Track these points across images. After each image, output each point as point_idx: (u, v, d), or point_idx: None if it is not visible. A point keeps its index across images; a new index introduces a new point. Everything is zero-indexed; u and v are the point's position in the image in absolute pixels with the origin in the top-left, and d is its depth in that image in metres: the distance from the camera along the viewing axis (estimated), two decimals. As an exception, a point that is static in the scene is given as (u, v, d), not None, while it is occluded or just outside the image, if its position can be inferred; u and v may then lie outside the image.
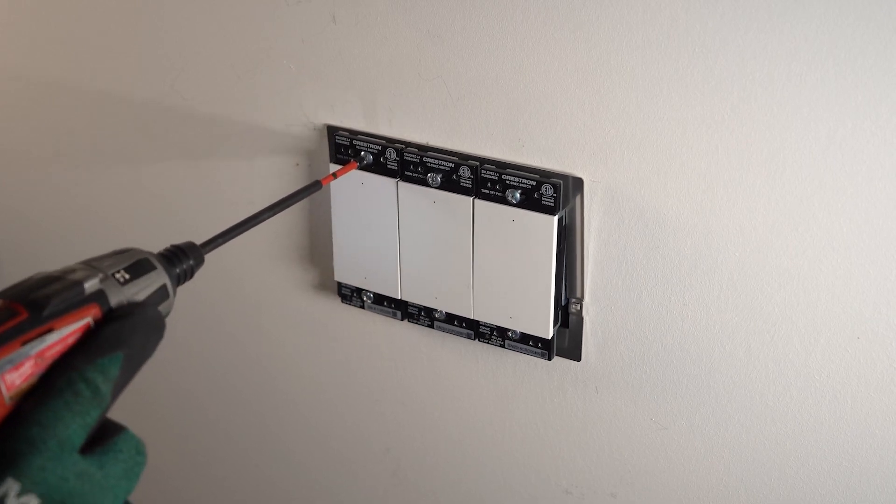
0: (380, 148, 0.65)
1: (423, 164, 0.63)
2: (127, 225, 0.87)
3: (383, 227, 0.67)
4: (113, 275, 0.40)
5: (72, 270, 0.40)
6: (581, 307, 0.64)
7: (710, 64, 0.53)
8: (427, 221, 0.65)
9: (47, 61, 0.83)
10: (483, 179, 0.62)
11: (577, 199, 0.60)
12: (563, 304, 0.64)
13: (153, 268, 0.42)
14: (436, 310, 0.68)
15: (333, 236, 0.70)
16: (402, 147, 0.64)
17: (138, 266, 0.42)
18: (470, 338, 0.68)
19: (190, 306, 0.86)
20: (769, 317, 0.58)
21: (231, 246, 0.80)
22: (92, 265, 0.40)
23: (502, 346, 0.66)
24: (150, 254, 0.43)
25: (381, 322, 0.74)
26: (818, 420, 0.59)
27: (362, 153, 0.66)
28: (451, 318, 0.68)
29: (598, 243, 0.62)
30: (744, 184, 0.55)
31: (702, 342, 0.61)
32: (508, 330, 0.65)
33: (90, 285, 0.39)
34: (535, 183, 0.60)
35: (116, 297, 0.40)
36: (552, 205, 0.60)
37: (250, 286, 0.81)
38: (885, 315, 0.55)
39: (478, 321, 0.66)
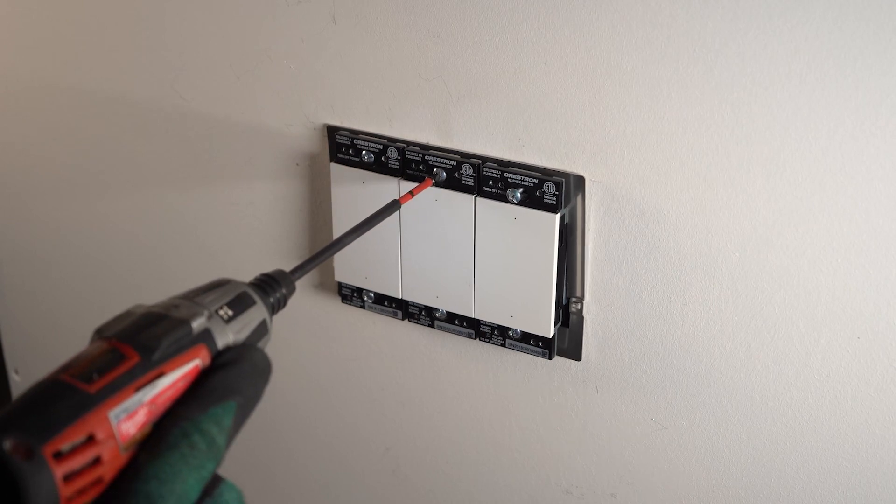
0: (381, 147, 0.65)
1: (425, 162, 0.63)
2: (127, 225, 0.87)
3: (384, 227, 0.67)
4: (217, 311, 0.39)
5: (174, 306, 0.38)
6: (581, 306, 0.64)
7: (710, 64, 0.53)
8: (429, 220, 0.65)
9: (47, 61, 0.83)
10: (485, 177, 0.62)
11: (578, 198, 0.61)
12: (563, 303, 0.64)
13: (253, 302, 0.41)
14: (437, 309, 0.68)
15: (334, 237, 0.70)
16: (403, 146, 0.64)
17: (239, 301, 0.40)
18: (471, 337, 0.68)
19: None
20: (769, 317, 0.58)
21: (231, 246, 0.80)
22: (194, 301, 0.39)
23: (503, 345, 0.66)
24: (248, 286, 0.42)
25: (382, 322, 0.74)
26: (818, 420, 0.59)
27: (363, 152, 0.66)
28: (451, 318, 0.68)
29: (599, 243, 0.62)
30: (744, 184, 0.55)
31: (702, 342, 0.61)
32: (509, 329, 0.65)
33: (197, 325, 0.37)
34: (536, 181, 0.60)
35: (223, 338, 0.38)
36: (554, 203, 0.60)
37: (250, 286, 0.81)
38: (885, 315, 0.55)
39: (478, 320, 0.66)
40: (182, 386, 0.36)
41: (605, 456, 0.69)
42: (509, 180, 0.61)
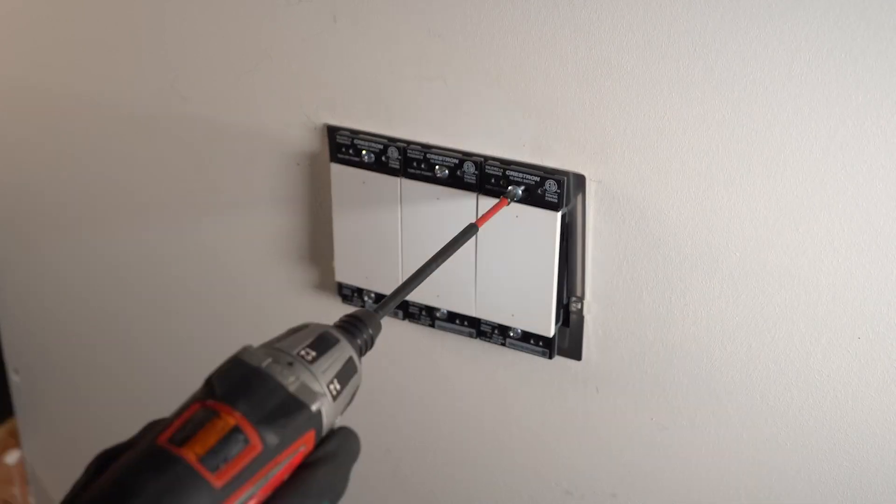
0: (381, 147, 0.65)
1: (426, 160, 0.63)
2: (127, 225, 0.87)
3: (385, 226, 0.67)
4: (328, 386, 0.37)
5: (289, 368, 0.36)
6: (582, 306, 0.64)
7: (710, 64, 0.53)
8: (430, 219, 0.65)
9: (47, 62, 0.83)
10: (487, 175, 0.62)
11: (579, 197, 0.61)
12: (563, 302, 0.64)
13: (356, 371, 0.39)
14: (437, 308, 0.68)
15: (335, 236, 0.70)
16: (404, 145, 0.64)
17: (346, 370, 0.38)
18: (471, 336, 0.68)
19: (190, 307, 0.86)
20: (770, 316, 0.58)
21: (231, 246, 0.80)
22: (310, 368, 0.37)
23: (503, 344, 0.66)
24: (351, 349, 0.40)
25: (382, 322, 0.74)
26: (818, 420, 0.59)
27: (363, 152, 0.66)
28: (452, 317, 0.68)
29: (599, 242, 0.62)
30: (744, 184, 0.55)
31: (702, 342, 0.61)
32: (510, 328, 0.65)
33: (315, 409, 0.36)
34: (538, 179, 0.60)
35: (329, 420, 0.37)
36: (556, 201, 0.60)
37: (250, 286, 0.81)
38: (885, 315, 0.55)
39: (479, 319, 0.66)
40: (286, 474, 0.35)
41: (605, 456, 0.69)
42: (511, 178, 0.61)
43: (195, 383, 0.37)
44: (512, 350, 0.67)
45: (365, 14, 0.64)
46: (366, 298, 0.71)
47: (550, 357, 0.65)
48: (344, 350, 0.39)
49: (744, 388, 0.61)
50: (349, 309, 0.75)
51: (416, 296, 0.68)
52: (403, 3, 0.62)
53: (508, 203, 0.60)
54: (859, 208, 0.53)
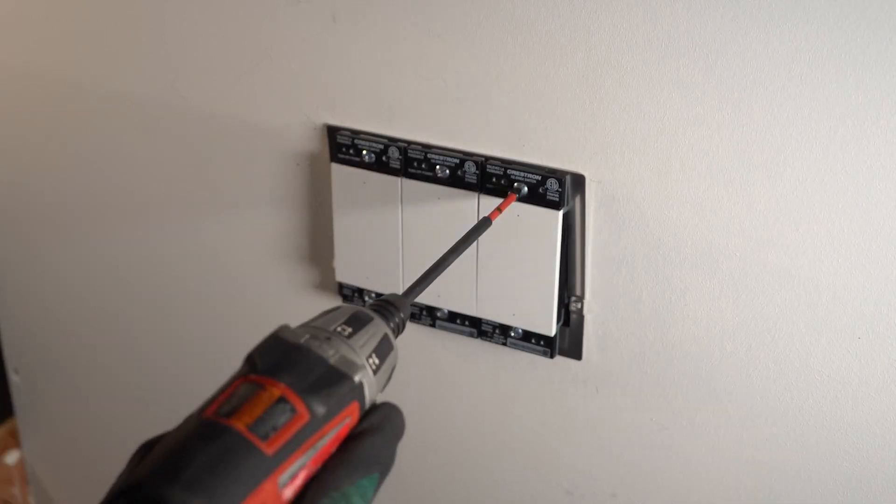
0: (382, 147, 0.65)
1: (427, 160, 0.63)
2: (127, 224, 0.87)
3: (386, 226, 0.67)
4: (368, 360, 0.38)
5: (328, 342, 0.37)
6: (582, 305, 0.64)
7: (710, 64, 0.53)
8: (430, 218, 0.65)
9: (47, 60, 0.83)
10: (488, 175, 0.62)
11: (579, 197, 0.61)
12: (564, 302, 0.64)
13: (391, 348, 0.40)
14: (438, 308, 0.68)
15: (335, 236, 0.70)
16: (405, 145, 0.64)
17: (382, 346, 0.39)
18: (472, 336, 0.68)
19: (190, 307, 0.86)
20: (770, 316, 0.58)
21: (231, 246, 0.80)
22: (348, 342, 0.37)
23: (504, 344, 0.66)
24: (385, 326, 0.40)
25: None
26: (818, 420, 0.59)
27: (364, 152, 0.66)
28: (453, 317, 0.68)
29: (599, 242, 0.62)
30: (744, 183, 0.55)
31: (702, 342, 0.61)
32: (511, 328, 0.65)
33: (357, 380, 0.36)
34: (540, 178, 0.60)
35: (371, 393, 0.37)
36: (557, 199, 0.60)
37: (250, 286, 0.81)
38: (885, 315, 0.55)
39: (480, 319, 0.66)
40: (333, 446, 0.35)
41: (605, 456, 0.69)
42: (512, 177, 0.61)
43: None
44: (513, 350, 0.67)
45: (365, 14, 0.64)
46: (366, 298, 0.71)
47: (552, 357, 0.65)
48: (379, 327, 0.40)
49: (744, 389, 0.61)
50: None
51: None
52: (403, 3, 0.62)
53: (516, 199, 0.60)
54: (859, 208, 0.53)
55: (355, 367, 0.36)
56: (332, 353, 0.36)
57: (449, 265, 0.49)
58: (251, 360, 0.36)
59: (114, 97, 0.80)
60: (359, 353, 0.37)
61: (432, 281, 0.47)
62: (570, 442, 0.70)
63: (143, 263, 0.87)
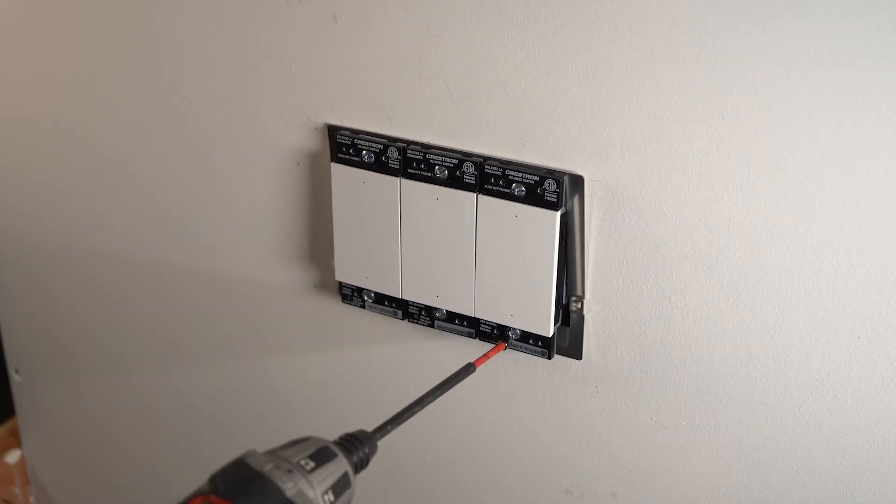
0: (381, 147, 0.65)
1: (426, 160, 0.63)
2: (127, 224, 0.87)
3: (385, 226, 0.67)
4: (323, 496, 0.40)
5: (288, 475, 0.39)
6: (582, 305, 0.64)
7: (710, 64, 0.53)
8: (429, 218, 0.65)
9: (47, 60, 0.83)
10: (487, 175, 0.62)
11: (578, 197, 0.61)
12: (564, 302, 0.64)
13: (349, 486, 0.42)
14: (437, 308, 0.68)
15: (335, 236, 0.70)
16: (404, 145, 0.64)
17: (341, 484, 0.42)
18: (471, 336, 0.68)
19: (190, 306, 0.86)
20: (769, 316, 0.58)
21: (231, 246, 0.80)
22: (309, 479, 0.40)
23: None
24: (347, 464, 0.43)
25: (382, 322, 0.74)
26: (818, 420, 0.59)
27: (363, 152, 0.66)
28: (452, 317, 0.68)
29: (599, 242, 0.62)
30: (744, 183, 0.55)
31: (702, 342, 0.61)
32: (509, 328, 0.65)
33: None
34: (538, 178, 0.60)
35: None
36: (555, 200, 0.60)
37: (250, 286, 0.81)
38: (885, 315, 0.55)
39: (479, 319, 0.66)
40: None
41: (605, 456, 0.69)
42: (510, 178, 0.61)
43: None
44: (511, 350, 0.67)
45: (365, 14, 0.64)
46: (365, 298, 0.71)
47: (549, 357, 0.65)
48: (340, 464, 0.43)
49: (743, 388, 0.61)
50: (349, 308, 0.75)
51: (416, 296, 0.68)
52: (403, 3, 0.62)
53: (505, 348, 0.64)
54: (859, 208, 0.53)
55: (309, 503, 0.39)
56: (290, 486, 0.39)
57: (425, 407, 0.53)
58: (214, 481, 0.38)
59: (114, 97, 0.80)
60: (316, 488, 0.40)
61: (405, 421, 0.51)
62: (569, 442, 0.70)
63: (143, 263, 0.87)
